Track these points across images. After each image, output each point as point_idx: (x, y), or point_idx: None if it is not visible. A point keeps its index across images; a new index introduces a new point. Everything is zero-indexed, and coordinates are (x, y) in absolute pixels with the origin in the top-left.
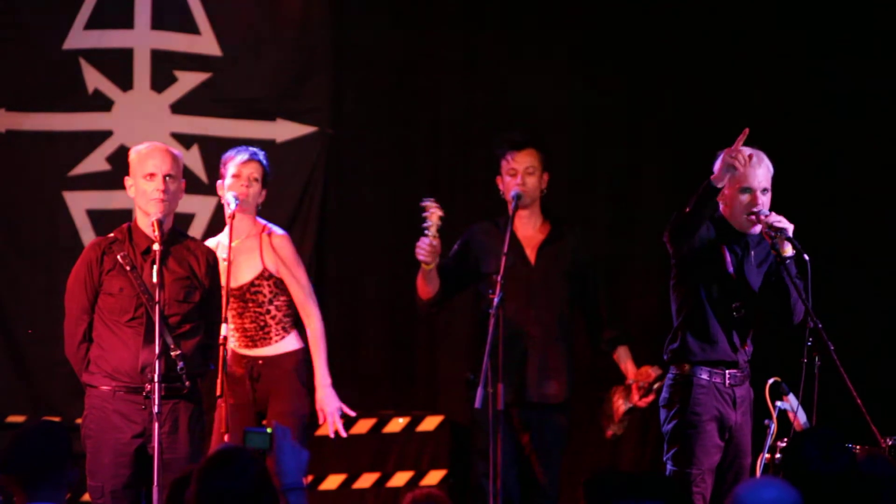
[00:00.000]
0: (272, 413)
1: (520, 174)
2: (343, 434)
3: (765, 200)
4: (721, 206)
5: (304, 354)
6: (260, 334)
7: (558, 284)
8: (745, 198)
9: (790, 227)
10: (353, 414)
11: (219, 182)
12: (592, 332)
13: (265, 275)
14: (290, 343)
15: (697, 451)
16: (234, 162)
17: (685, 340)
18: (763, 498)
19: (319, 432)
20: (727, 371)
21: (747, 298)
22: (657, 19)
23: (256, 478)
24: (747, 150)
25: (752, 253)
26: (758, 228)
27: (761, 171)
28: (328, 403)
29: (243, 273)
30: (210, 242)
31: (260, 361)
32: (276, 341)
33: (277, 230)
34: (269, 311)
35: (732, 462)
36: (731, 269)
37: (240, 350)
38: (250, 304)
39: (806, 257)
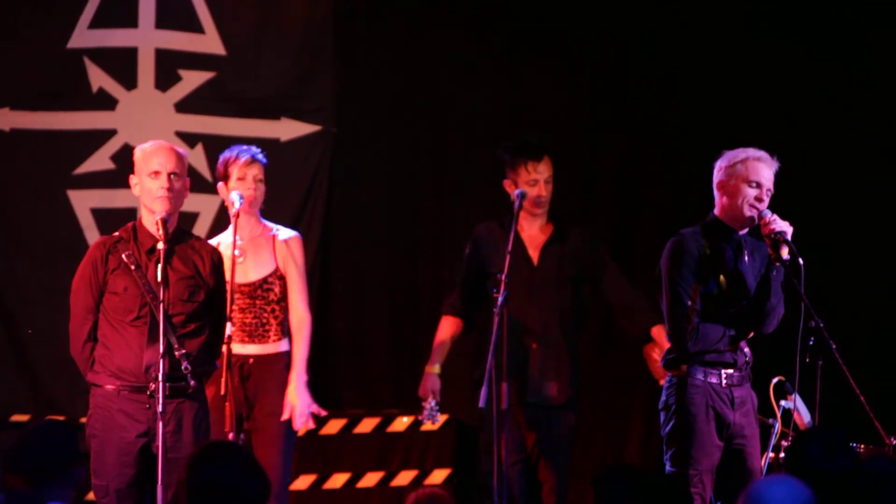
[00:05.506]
0: (262, 412)
1: (541, 183)
2: (312, 426)
3: (767, 201)
4: (717, 203)
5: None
6: (259, 331)
7: (561, 285)
8: (752, 191)
9: (789, 231)
10: (324, 413)
11: (220, 184)
12: (626, 322)
13: (277, 274)
14: (284, 345)
15: (694, 451)
16: (238, 165)
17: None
18: (775, 496)
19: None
20: (723, 371)
21: (743, 303)
22: (659, 19)
23: (245, 466)
24: (761, 151)
25: (747, 254)
26: (754, 214)
27: (770, 172)
28: (301, 399)
29: (255, 270)
30: (212, 242)
31: (251, 360)
32: (274, 341)
33: (289, 231)
34: (273, 311)
35: (741, 465)
36: (725, 278)
37: (232, 346)
38: (258, 301)
39: (800, 261)
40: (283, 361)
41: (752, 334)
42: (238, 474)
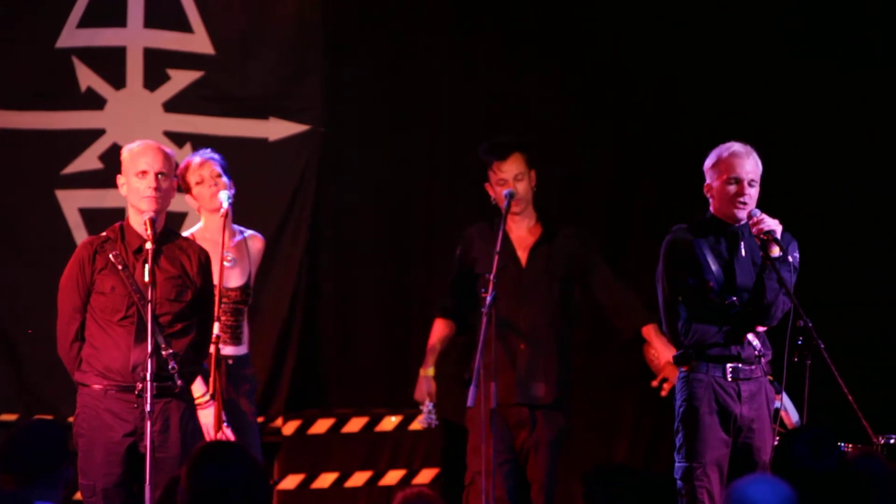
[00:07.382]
0: (239, 411)
1: (509, 182)
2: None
3: (752, 193)
4: (710, 201)
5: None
6: (237, 332)
7: (550, 286)
8: (732, 188)
9: (778, 229)
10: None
11: (186, 196)
12: (617, 322)
13: (252, 278)
14: (247, 346)
15: (697, 445)
16: (192, 170)
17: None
18: (756, 494)
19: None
20: (727, 364)
21: (740, 295)
22: (654, 18)
23: (247, 467)
24: (736, 145)
25: (742, 246)
26: (743, 214)
27: (749, 164)
28: None
29: (239, 275)
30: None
31: (230, 361)
32: (244, 341)
33: (257, 234)
34: (245, 313)
35: (749, 459)
36: (717, 272)
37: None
38: (240, 305)
39: (790, 259)
40: (249, 360)
41: (758, 328)
42: (240, 476)
